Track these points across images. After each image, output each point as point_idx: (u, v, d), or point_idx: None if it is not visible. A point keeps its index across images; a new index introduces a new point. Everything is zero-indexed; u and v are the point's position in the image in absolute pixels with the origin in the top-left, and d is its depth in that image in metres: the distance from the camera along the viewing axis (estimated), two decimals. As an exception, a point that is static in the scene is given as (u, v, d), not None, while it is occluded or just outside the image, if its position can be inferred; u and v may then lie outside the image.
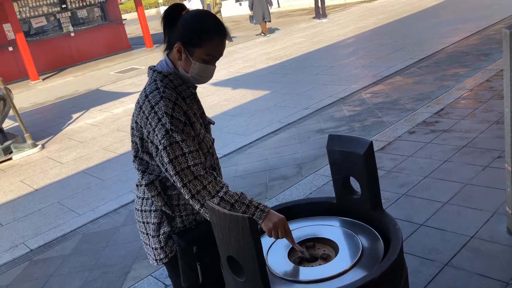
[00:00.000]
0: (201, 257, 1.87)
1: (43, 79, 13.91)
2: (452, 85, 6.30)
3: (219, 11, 13.80)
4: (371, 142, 1.71)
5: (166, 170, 1.70)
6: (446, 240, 3.05)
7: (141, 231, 1.96)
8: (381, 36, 10.94)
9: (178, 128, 1.69)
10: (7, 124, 8.69)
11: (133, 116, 1.81)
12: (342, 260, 1.62)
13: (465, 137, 4.49)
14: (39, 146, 7.24)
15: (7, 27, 13.72)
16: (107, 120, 8.17)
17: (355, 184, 1.83)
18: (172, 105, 1.70)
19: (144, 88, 1.78)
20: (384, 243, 1.66)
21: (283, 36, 13.89)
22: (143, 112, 1.73)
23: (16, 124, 8.03)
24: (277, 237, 1.66)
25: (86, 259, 3.88)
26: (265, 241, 1.78)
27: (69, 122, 8.54)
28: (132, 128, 1.82)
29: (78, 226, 4.49)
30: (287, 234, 1.67)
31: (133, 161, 1.88)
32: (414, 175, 3.99)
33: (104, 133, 7.40)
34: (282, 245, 1.75)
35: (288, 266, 1.64)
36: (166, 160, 1.68)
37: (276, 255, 1.71)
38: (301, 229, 1.83)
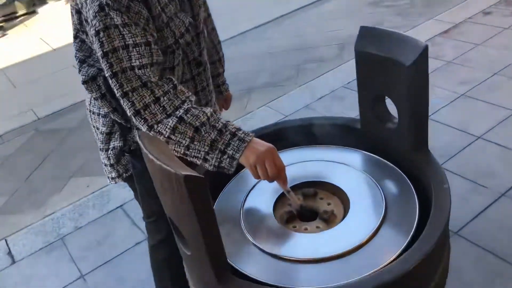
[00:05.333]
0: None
1: None
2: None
3: None
4: (427, 46, 1.04)
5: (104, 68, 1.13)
6: (509, 161, 2.42)
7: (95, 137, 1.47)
8: None
9: (121, 4, 1.07)
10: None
11: None
12: (351, 228, 1.07)
13: (556, 24, 3.56)
14: (64, -2, 6.68)
15: None
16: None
17: (391, 107, 1.21)
18: None
19: None
20: (420, 203, 1.09)
21: None
22: None
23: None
24: (265, 177, 1.11)
25: (91, 135, 3.53)
26: (243, 181, 1.25)
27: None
28: None
29: (89, 96, 4.10)
30: (280, 173, 1.12)
31: (73, 44, 1.30)
32: (480, 70, 3.23)
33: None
34: (269, 187, 1.20)
35: (271, 225, 1.12)
36: (99, 52, 1.10)
37: (257, 205, 1.19)
38: (301, 164, 1.27)
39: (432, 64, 3.37)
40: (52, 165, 3.28)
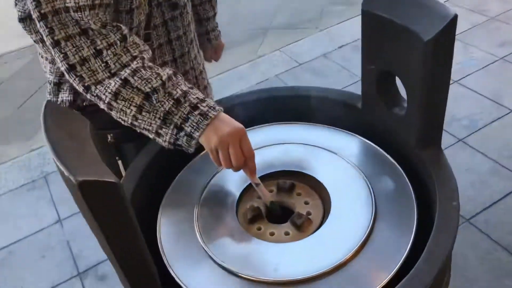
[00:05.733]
0: (122, 151, 1.18)
1: None
2: None
3: None
4: (455, 17, 0.76)
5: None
6: (541, 143, 2.14)
7: None
8: None
9: None
10: None
11: None
12: (327, 241, 0.85)
13: None
14: None
15: None
16: None
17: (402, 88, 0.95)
18: None
19: None
20: (420, 214, 0.86)
21: None
22: None
23: None
24: (227, 165, 0.89)
25: (91, 65, 3.32)
26: (202, 163, 1.02)
27: None
28: None
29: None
30: (246, 161, 0.89)
31: None
32: (526, 31, 2.84)
33: None
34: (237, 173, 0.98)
35: (230, 225, 0.90)
36: (24, -13, 0.86)
37: (220, 193, 0.97)
38: (281, 148, 1.03)
39: (472, 18, 2.99)
40: (48, 94, 3.10)
